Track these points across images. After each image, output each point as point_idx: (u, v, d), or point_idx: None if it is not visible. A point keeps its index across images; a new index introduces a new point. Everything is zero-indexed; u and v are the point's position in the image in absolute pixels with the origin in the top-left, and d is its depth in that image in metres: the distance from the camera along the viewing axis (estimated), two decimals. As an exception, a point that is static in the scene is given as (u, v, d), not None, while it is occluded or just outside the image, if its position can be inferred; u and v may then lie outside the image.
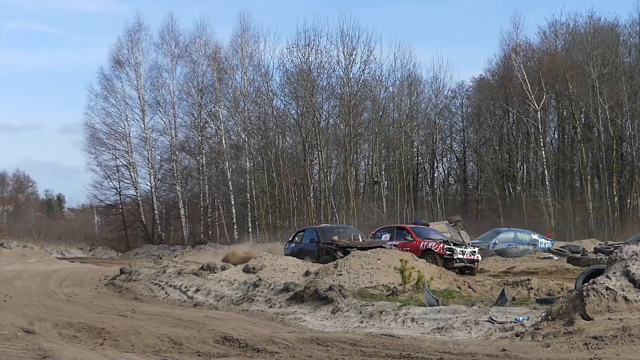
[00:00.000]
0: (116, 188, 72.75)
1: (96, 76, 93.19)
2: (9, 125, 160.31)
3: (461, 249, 34.59)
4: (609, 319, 15.86)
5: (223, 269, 29.74)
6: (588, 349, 14.59)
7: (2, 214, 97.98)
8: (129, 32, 71.17)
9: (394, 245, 35.10)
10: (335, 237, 35.37)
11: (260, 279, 26.55)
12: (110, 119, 70.86)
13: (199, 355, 15.38)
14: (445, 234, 43.92)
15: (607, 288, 16.61)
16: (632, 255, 17.47)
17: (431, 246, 34.57)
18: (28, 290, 30.48)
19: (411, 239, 35.48)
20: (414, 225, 39.75)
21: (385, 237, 36.55)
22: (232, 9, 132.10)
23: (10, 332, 18.68)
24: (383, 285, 24.89)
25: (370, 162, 68.89)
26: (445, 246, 34.39)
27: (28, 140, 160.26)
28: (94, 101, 71.29)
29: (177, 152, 70.04)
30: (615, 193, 59.00)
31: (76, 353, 15.39)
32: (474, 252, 35.34)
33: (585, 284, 17.51)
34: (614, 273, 17.13)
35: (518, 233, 47.90)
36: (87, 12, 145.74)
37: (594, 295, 16.53)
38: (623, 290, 16.52)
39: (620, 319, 15.73)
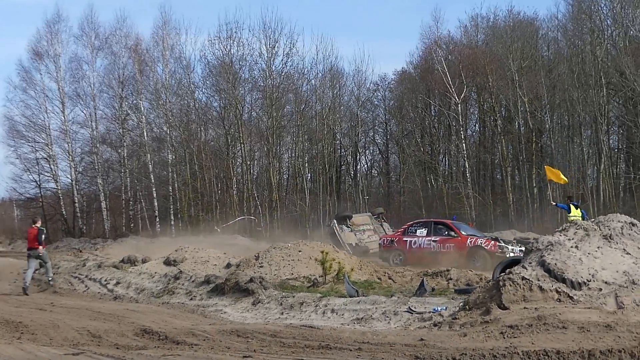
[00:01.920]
0: (36, 181, 71.86)
1: (14, 67, 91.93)
2: None
3: (511, 247, 32.90)
4: (524, 308, 16.11)
5: (144, 261, 29.64)
6: (504, 337, 14.79)
7: None
8: (48, 24, 70.32)
9: (433, 241, 34.28)
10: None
11: (181, 271, 26.51)
12: (29, 111, 70.00)
13: (117, 348, 15.31)
14: (368, 226, 44.24)
15: (523, 278, 16.87)
16: (548, 246, 17.77)
17: (480, 243, 33.14)
18: (-56, 284, 30.05)
19: (455, 235, 34.04)
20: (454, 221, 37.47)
21: (422, 232, 35.10)
22: (153, 1, 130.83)
23: None
24: (304, 276, 24.97)
25: (293, 154, 68.90)
26: (497, 243, 32.96)
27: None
28: (13, 93, 70.54)
29: (98, 145, 69.34)
30: (535, 185, 59.70)
31: (-8, 347, 15.25)
32: (521, 250, 34.29)
33: (502, 274, 17.76)
34: (530, 263, 17.40)
35: (440, 225, 48.25)
36: (6, 1, 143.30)
37: (510, 285, 16.78)
38: (538, 280, 16.78)
39: (535, 308, 15.99)
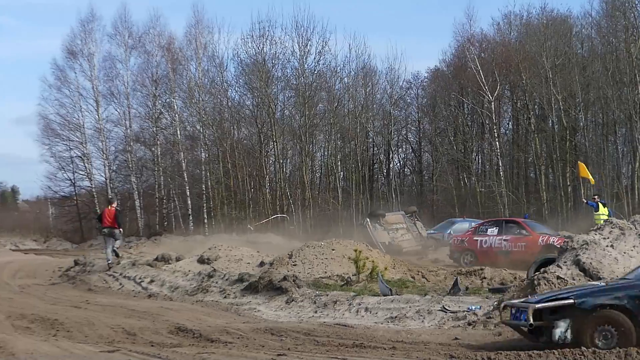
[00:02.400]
0: (70, 179, 72.24)
1: (49, 67, 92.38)
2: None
3: None
4: (560, 307, 16.03)
5: (178, 259, 29.72)
6: (539, 336, 14.73)
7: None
8: (82, 23, 70.56)
9: (504, 240, 33.54)
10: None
11: (214, 269, 26.57)
12: (64, 109, 70.30)
13: (152, 346, 15.40)
14: (401, 225, 44.18)
15: (558, 277, 16.82)
16: (583, 245, 17.70)
17: (552, 241, 31.69)
18: (-20, 282, 30.33)
19: (527, 234, 33.10)
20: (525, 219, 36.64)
21: (492, 231, 34.27)
22: (185, 0, 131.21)
23: (-38, 324, 18.60)
24: (337, 275, 24.97)
25: (326, 152, 68.88)
26: None
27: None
28: (48, 92, 70.66)
29: (131, 143, 69.58)
30: (568, 183, 59.37)
31: (29, 344, 15.34)
32: None
33: (537, 273, 17.70)
34: (565, 262, 17.35)
35: (472, 223, 48.04)
36: (41, 2, 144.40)
37: (545, 284, 16.73)
38: (574, 279, 16.74)
39: (571, 307, 15.91)
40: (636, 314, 12.93)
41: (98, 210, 70.13)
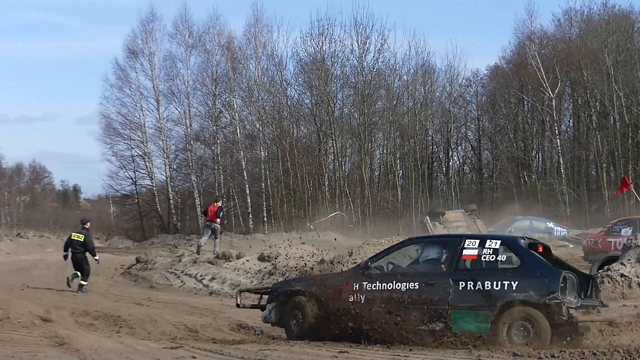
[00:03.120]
0: (132, 178, 72.83)
1: (111, 66, 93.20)
2: (26, 116, 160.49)
3: None
4: (624, 305, 15.91)
5: (238, 257, 29.84)
6: (602, 335, 14.59)
7: (19, 204, 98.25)
8: (143, 22, 71.07)
9: None
10: None
11: (275, 267, 26.65)
12: (125, 109, 70.92)
13: (214, 343, 15.48)
14: (461, 223, 43.99)
15: (622, 275, 16.67)
16: (647, 242, 17.51)
17: None
18: (45, 279, 30.70)
19: None
20: None
21: (626, 231, 31.89)
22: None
23: (27, 320, 18.83)
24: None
25: (385, 151, 68.79)
26: None
27: (45, 131, 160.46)
28: (109, 91, 71.22)
29: (191, 142, 69.99)
30: (631, 181, 58.77)
31: (93, 340, 15.50)
32: None
33: (600, 271, 17.56)
34: (629, 260, 17.18)
35: (533, 221, 47.82)
36: (103, 2, 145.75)
37: (609, 282, 16.60)
38: (638, 277, 16.57)
39: (635, 305, 15.76)
40: (319, 297, 15.46)
41: (159, 209, 71.06)
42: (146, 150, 70.99)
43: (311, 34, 64.74)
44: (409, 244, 16.20)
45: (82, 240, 27.87)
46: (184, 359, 13.20)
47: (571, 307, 13.74)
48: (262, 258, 28.68)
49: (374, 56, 65.05)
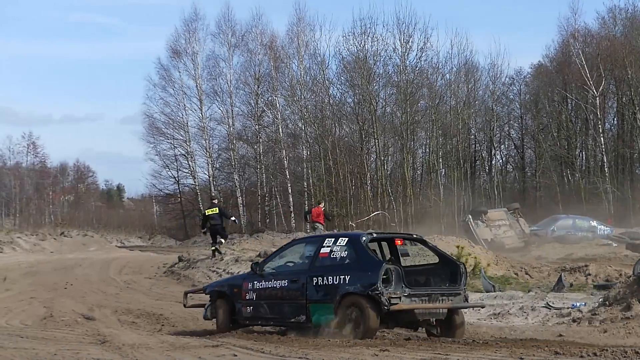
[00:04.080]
0: (174, 177, 73.24)
1: (154, 66, 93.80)
2: (70, 116, 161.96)
3: None
4: (667, 304, 15.76)
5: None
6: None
7: (63, 203, 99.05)
8: (186, 22, 71.46)
9: None
10: None
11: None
12: (168, 108, 71.34)
13: (255, 341, 15.49)
14: (504, 222, 43.86)
15: (665, 274, 16.51)
16: (691, 240, 17.35)
17: None
18: (88, 277, 30.92)
19: None
20: None
21: None
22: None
23: (70, 318, 19.01)
24: (439, 271, 24.86)
25: (427, 149, 68.58)
26: None
27: (89, 131, 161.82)
28: (152, 91, 71.69)
29: (234, 141, 70.25)
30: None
31: (135, 338, 15.63)
32: None
33: (644, 269, 17.43)
34: (673, 259, 17.00)
35: (577, 220, 47.57)
36: (146, 3, 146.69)
37: (652, 281, 16.44)
38: (681, 276, 16.41)
39: (679, 305, 15.63)
40: (229, 296, 17.23)
41: (201, 208, 71.41)
42: (189, 150, 71.39)
43: (353, 33, 64.72)
44: (294, 244, 17.86)
45: (217, 212, 33.85)
46: (224, 357, 13.25)
47: (394, 297, 14.96)
48: (303, 256, 28.69)
49: (416, 55, 64.90)
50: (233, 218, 36.80)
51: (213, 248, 33.37)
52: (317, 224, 36.79)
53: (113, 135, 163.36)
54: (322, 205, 39.19)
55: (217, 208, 34.26)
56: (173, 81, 71.20)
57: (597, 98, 61.80)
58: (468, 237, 37.61)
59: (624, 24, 67.58)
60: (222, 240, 34.10)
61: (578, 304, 17.79)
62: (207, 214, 34.29)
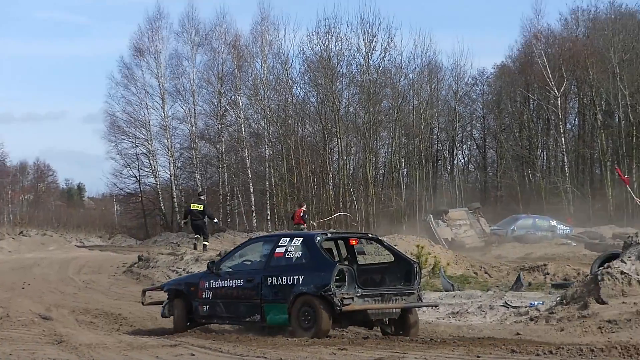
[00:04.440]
0: (136, 176, 72.82)
1: (117, 65, 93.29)
2: (32, 114, 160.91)
3: None
4: (623, 302, 15.88)
5: (241, 255, 29.82)
6: (602, 332, 14.61)
7: (23, 203, 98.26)
8: (150, 21, 71.07)
9: None
10: None
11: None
12: (130, 107, 70.94)
13: (213, 340, 15.47)
14: (465, 221, 44.05)
15: (622, 272, 16.62)
16: (648, 240, 17.46)
17: None
18: (46, 277, 30.67)
19: None
20: None
21: None
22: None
23: (27, 318, 18.85)
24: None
25: (389, 149, 68.69)
26: None
27: (51, 130, 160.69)
28: (115, 89, 71.25)
29: (196, 140, 70.02)
30: (634, 179, 58.77)
31: (92, 338, 15.58)
32: None
33: (600, 268, 17.52)
34: (629, 257, 17.12)
35: (537, 220, 47.86)
36: (110, 1, 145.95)
37: (609, 280, 16.55)
38: (638, 274, 16.53)
39: (634, 302, 15.75)
40: (186, 294, 17.23)
41: (163, 207, 71.18)
42: (151, 149, 71.07)
43: (317, 33, 64.61)
44: (250, 244, 18.08)
45: (201, 209, 34.71)
46: (182, 356, 13.25)
47: (346, 298, 15.09)
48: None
49: (380, 54, 64.91)
50: (215, 220, 37.65)
51: (195, 242, 35.14)
52: (301, 226, 37.46)
53: (75, 134, 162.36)
54: (303, 207, 40.13)
55: (202, 205, 35.14)
56: (135, 80, 70.86)
57: (559, 99, 62.17)
58: (429, 236, 37.74)
59: (586, 25, 68.04)
60: (205, 243, 34.71)
61: (536, 303, 17.89)
62: (191, 207, 35.50)
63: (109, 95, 72.23)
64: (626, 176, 42.52)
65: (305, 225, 38.37)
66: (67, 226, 76.09)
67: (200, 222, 34.66)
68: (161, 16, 71.01)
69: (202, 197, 37.05)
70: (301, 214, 38.28)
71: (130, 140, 71.48)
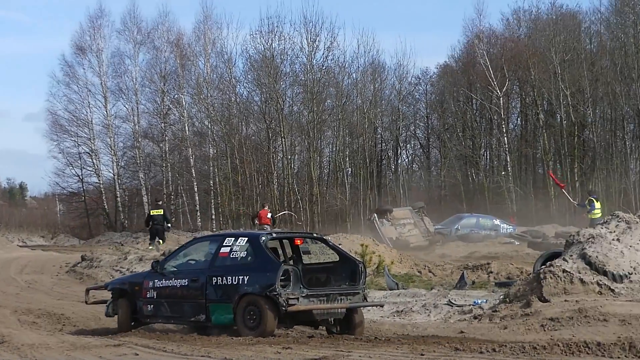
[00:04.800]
0: (78, 176, 72.18)
1: (58, 63, 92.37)
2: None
3: None
4: (565, 300, 16.03)
5: (185, 255, 29.76)
6: (544, 330, 14.74)
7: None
8: (91, 19, 70.45)
9: None
10: None
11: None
12: (72, 105, 70.28)
13: (158, 340, 15.39)
14: (409, 220, 44.20)
15: (564, 270, 16.78)
16: (589, 239, 17.65)
17: None
18: (-13, 277, 30.33)
19: None
20: None
21: None
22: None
23: (-34, 319, 18.62)
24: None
25: (333, 148, 68.86)
26: None
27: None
28: (56, 88, 70.57)
29: (139, 139, 69.55)
30: (576, 179, 59.40)
31: (34, 338, 15.44)
32: None
33: (543, 267, 17.68)
34: (571, 256, 17.29)
35: (480, 219, 48.16)
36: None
37: (551, 278, 16.70)
38: (579, 273, 16.69)
39: (576, 300, 15.91)
40: (130, 294, 17.09)
41: (106, 207, 70.62)
42: (93, 148, 70.49)
43: (261, 32, 64.62)
44: (195, 243, 18.11)
45: (162, 214, 36.95)
46: (126, 356, 13.20)
47: (291, 298, 15.10)
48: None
49: (323, 54, 65.05)
50: (169, 225, 39.35)
51: (151, 247, 36.35)
52: (265, 226, 37.89)
53: (16, 133, 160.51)
54: (267, 207, 41.83)
55: (162, 210, 37.47)
56: (77, 78, 70.20)
57: (501, 98, 62.63)
58: (373, 235, 37.84)
59: (527, 25, 68.60)
60: (160, 241, 36.45)
61: (479, 301, 18.00)
62: (151, 214, 37.35)
63: (50, 94, 71.55)
64: (562, 183, 42.94)
65: (269, 225, 38.75)
66: (9, 226, 75.33)
67: (160, 227, 36.71)
68: (103, 14, 70.44)
69: (160, 203, 39.63)
70: (267, 215, 39.34)
71: (72, 139, 70.83)
